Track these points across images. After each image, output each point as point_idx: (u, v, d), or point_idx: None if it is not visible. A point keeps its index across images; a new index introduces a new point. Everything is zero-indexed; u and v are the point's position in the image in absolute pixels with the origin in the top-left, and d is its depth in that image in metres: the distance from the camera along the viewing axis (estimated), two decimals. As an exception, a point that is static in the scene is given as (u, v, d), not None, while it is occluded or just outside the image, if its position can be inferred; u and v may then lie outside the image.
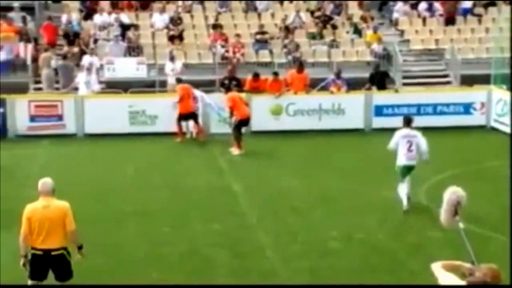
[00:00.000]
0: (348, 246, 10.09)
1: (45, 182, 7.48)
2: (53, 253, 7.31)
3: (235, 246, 9.94)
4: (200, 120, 16.78)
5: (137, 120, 17.02)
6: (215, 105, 16.66)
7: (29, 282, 7.53)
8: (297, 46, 21.13)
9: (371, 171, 13.94)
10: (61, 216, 7.32)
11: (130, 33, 20.80)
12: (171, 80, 18.73)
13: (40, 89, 19.02)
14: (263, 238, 10.29)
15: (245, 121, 15.67)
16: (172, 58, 19.10)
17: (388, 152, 11.51)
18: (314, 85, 19.00)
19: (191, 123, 16.66)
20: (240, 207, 11.76)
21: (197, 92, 16.89)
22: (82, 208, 11.39)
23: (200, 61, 20.81)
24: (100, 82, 18.64)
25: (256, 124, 16.73)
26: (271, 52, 21.14)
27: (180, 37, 21.28)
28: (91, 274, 8.79)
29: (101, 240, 9.97)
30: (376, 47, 21.08)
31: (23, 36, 20.06)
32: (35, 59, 19.75)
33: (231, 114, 15.50)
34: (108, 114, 16.80)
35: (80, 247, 7.55)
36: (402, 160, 11.28)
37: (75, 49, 19.91)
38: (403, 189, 11.26)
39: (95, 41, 20.61)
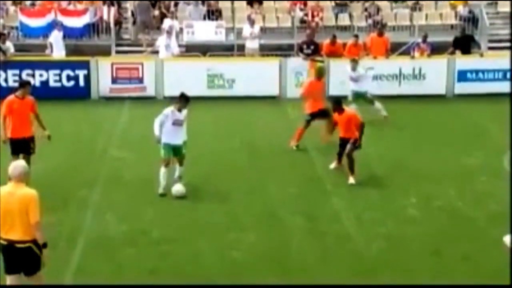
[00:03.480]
0: (427, 213, 9.89)
1: (16, 166, 6.46)
2: (17, 245, 6.36)
3: (310, 210, 9.93)
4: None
5: (215, 84, 17.14)
6: None
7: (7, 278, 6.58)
8: (378, 9, 20.62)
9: (451, 138, 13.58)
10: (25, 206, 6.29)
11: (210, -3, 20.88)
12: (249, 44, 18.72)
13: (122, 52, 19.44)
14: (339, 204, 10.23)
15: None
16: (252, 22, 19.01)
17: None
18: (394, 49, 18.54)
19: None
20: (316, 172, 11.71)
21: None
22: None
23: (278, 25, 20.68)
24: (180, 46, 18.86)
25: (333, 89, 16.48)
26: (350, 15, 20.73)
27: (259, 0, 21.18)
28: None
29: (178, 203, 10.20)
30: (461, 9, 20.30)
31: (107, -1, 20.52)
32: (117, 22, 20.17)
33: None
34: (187, 77, 16.98)
35: (43, 245, 6.39)
36: None
37: (156, 12, 20.19)
38: None
39: (176, 4, 20.82)
